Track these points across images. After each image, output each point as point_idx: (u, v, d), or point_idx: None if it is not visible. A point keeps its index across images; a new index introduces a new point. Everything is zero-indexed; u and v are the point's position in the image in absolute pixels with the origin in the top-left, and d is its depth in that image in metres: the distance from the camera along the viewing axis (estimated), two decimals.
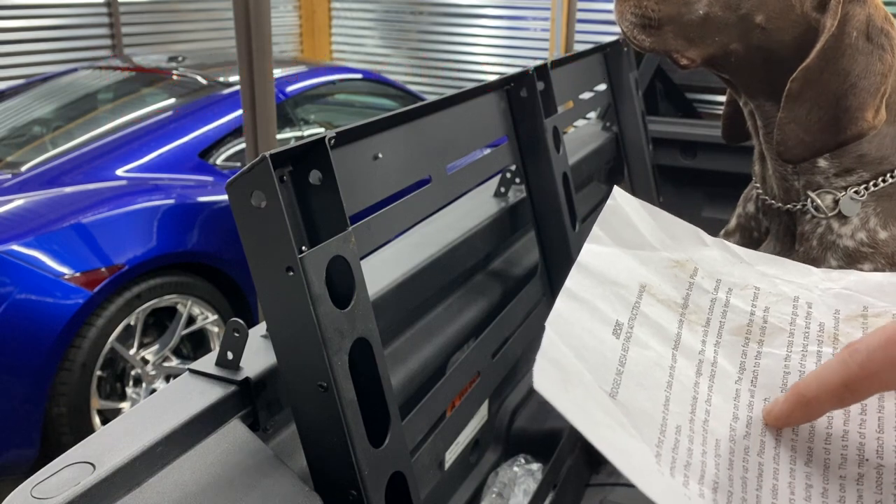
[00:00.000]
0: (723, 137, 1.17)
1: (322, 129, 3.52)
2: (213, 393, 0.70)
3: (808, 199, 0.96)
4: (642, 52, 0.96)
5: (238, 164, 3.08)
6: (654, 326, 0.51)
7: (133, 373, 2.66)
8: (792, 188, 0.98)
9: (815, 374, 0.44)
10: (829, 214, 0.95)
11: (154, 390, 2.54)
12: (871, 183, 0.93)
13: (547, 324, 0.46)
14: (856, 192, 0.94)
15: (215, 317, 2.83)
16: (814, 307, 0.54)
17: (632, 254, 0.57)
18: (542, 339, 0.44)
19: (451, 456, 1.22)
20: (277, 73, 3.14)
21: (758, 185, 1.05)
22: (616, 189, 0.61)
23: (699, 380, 0.49)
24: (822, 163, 0.94)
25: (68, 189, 2.64)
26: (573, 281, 0.52)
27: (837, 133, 0.89)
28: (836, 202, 0.94)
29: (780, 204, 1.00)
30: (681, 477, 0.43)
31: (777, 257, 0.60)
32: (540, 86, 1.21)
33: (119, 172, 2.79)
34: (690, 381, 0.49)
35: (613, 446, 0.40)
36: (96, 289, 2.42)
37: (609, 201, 0.60)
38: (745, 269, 0.58)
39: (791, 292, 0.56)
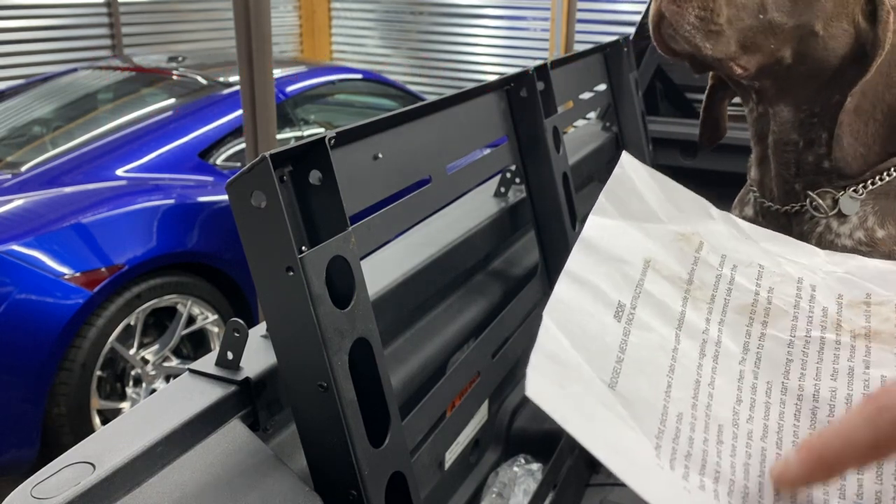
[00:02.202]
0: (701, 143, 1.17)
1: (322, 129, 3.52)
2: (213, 393, 0.70)
3: (808, 200, 0.96)
4: (695, 58, 0.89)
5: (238, 164, 3.08)
6: (657, 306, 0.51)
7: (133, 373, 2.66)
8: (792, 190, 0.98)
9: (837, 432, 0.40)
10: (830, 214, 0.95)
11: (154, 390, 2.54)
12: (870, 182, 0.94)
13: (545, 313, 0.46)
14: (854, 190, 0.94)
15: (215, 317, 2.83)
16: (817, 290, 0.54)
17: (637, 226, 0.56)
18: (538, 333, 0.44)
19: (451, 456, 1.22)
20: (277, 73, 3.14)
21: (754, 188, 1.06)
22: (624, 154, 0.60)
23: (702, 361, 0.49)
24: (826, 164, 0.95)
25: (68, 189, 2.64)
26: (575, 261, 0.51)
27: (894, 144, 0.89)
28: (836, 201, 0.95)
29: (778, 206, 1.00)
30: (681, 469, 0.43)
31: (782, 235, 0.60)
32: (540, 86, 1.21)
33: (119, 172, 2.79)
34: (693, 364, 0.49)
35: (608, 447, 0.40)
36: (96, 289, 2.42)
37: (616, 169, 0.59)
38: (751, 245, 0.58)
39: (795, 273, 0.55)
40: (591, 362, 0.45)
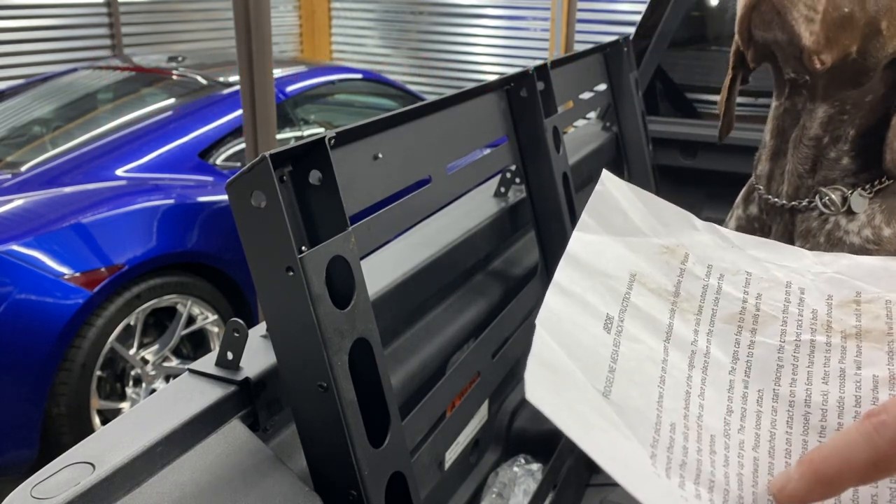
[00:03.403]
0: (721, 135, 1.16)
1: (322, 129, 3.52)
2: (213, 393, 0.70)
3: (818, 196, 0.97)
4: (769, 49, 0.91)
5: (238, 164, 3.08)
6: (645, 319, 0.51)
7: (133, 373, 2.65)
8: (803, 186, 0.99)
9: (835, 448, 0.40)
10: (840, 211, 0.96)
11: (154, 390, 2.54)
12: (877, 180, 0.94)
13: (537, 322, 0.46)
14: (863, 188, 0.95)
15: (215, 317, 2.83)
16: (806, 293, 0.54)
17: (621, 241, 0.56)
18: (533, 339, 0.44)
19: (451, 456, 1.22)
20: (277, 73, 3.14)
21: (759, 186, 1.06)
22: (605, 173, 0.60)
23: (692, 373, 0.49)
24: (846, 160, 0.95)
25: (68, 189, 2.64)
26: (562, 274, 0.51)
27: None
28: (845, 199, 0.96)
29: (784, 201, 1.01)
30: (676, 478, 0.43)
31: (768, 241, 0.60)
32: (540, 86, 1.21)
33: (119, 172, 2.79)
34: (683, 375, 0.48)
35: (606, 453, 0.40)
36: (96, 289, 2.42)
37: (598, 187, 0.59)
38: (737, 253, 0.58)
39: (783, 277, 0.55)
40: (585, 371, 0.45)
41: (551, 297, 0.49)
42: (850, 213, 0.95)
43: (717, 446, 0.45)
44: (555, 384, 0.42)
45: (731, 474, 0.44)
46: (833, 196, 0.96)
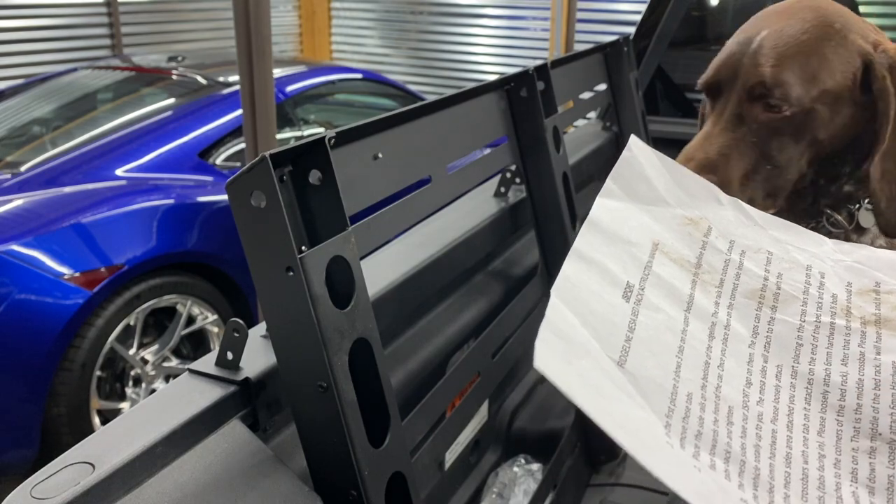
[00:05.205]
0: None
1: (322, 129, 3.52)
2: (213, 393, 0.70)
3: (824, 217, 0.97)
4: None
5: (238, 164, 3.08)
6: (666, 287, 0.51)
7: (133, 373, 2.65)
8: (806, 212, 0.99)
9: None
10: (849, 228, 0.96)
11: (154, 390, 2.54)
12: None
13: (553, 290, 0.45)
14: (869, 202, 0.95)
15: (215, 317, 2.83)
16: (826, 277, 0.54)
17: (645, 209, 0.56)
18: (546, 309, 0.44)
19: (451, 456, 1.22)
20: (277, 73, 3.14)
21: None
22: (633, 138, 0.60)
23: (712, 343, 0.49)
24: (848, 188, 0.96)
25: (68, 189, 2.64)
26: (583, 241, 0.51)
27: None
28: (852, 216, 0.96)
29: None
30: (691, 447, 0.42)
31: (790, 223, 0.60)
32: (540, 86, 1.21)
33: (119, 172, 2.79)
34: (703, 345, 0.48)
35: (617, 422, 0.40)
36: (96, 289, 2.42)
37: (625, 152, 0.59)
38: (759, 232, 0.58)
39: (804, 260, 0.55)
40: (600, 340, 0.45)
41: (569, 265, 0.48)
42: (859, 228, 0.96)
43: (735, 417, 0.45)
44: (566, 353, 0.42)
45: (747, 445, 0.44)
46: (839, 217, 0.96)
